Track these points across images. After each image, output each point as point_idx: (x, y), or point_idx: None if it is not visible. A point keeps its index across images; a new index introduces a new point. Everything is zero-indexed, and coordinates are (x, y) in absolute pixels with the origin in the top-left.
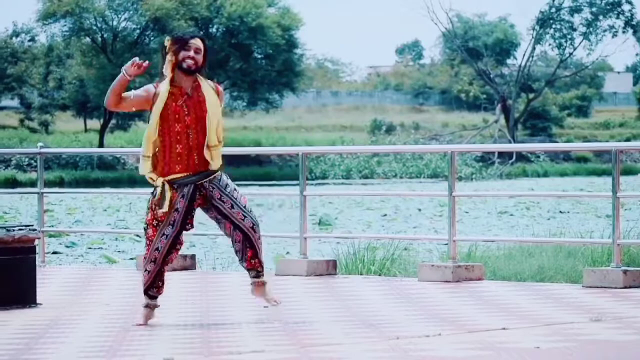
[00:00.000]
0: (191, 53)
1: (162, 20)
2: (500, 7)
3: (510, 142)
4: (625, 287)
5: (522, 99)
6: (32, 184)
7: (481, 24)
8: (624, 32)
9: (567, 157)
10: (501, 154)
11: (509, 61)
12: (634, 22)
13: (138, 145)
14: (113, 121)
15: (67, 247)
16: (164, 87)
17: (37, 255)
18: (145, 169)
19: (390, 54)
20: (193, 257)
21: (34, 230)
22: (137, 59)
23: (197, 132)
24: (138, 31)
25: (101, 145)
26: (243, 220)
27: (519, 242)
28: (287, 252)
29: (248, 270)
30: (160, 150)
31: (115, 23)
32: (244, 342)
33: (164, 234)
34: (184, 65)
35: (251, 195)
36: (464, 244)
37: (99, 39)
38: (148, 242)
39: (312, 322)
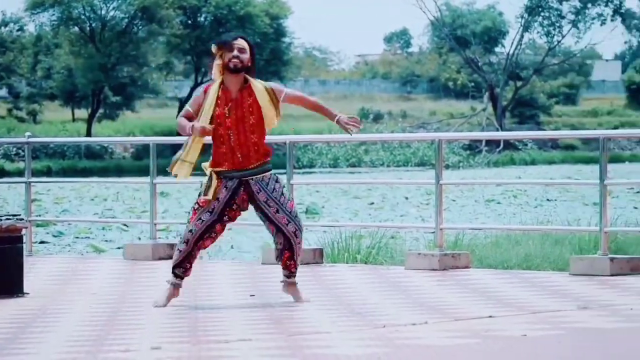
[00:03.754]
0: (235, 52)
1: (151, 9)
2: None
3: (497, 130)
4: (612, 275)
5: (510, 87)
6: (20, 173)
7: (469, 12)
8: (612, 20)
9: (554, 145)
10: (489, 142)
11: (497, 49)
12: (622, 10)
13: (125, 135)
14: (101, 110)
15: (54, 236)
16: (211, 93)
17: (24, 245)
18: (184, 173)
19: (378, 42)
20: None
21: (22, 219)
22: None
23: (237, 133)
24: (126, 20)
25: (89, 134)
26: (287, 225)
27: (506, 230)
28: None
29: (282, 269)
30: (213, 148)
31: (103, 12)
32: (232, 330)
33: (200, 219)
34: (231, 65)
35: None
36: (451, 232)
37: (87, 28)
38: (187, 223)
39: (299, 310)
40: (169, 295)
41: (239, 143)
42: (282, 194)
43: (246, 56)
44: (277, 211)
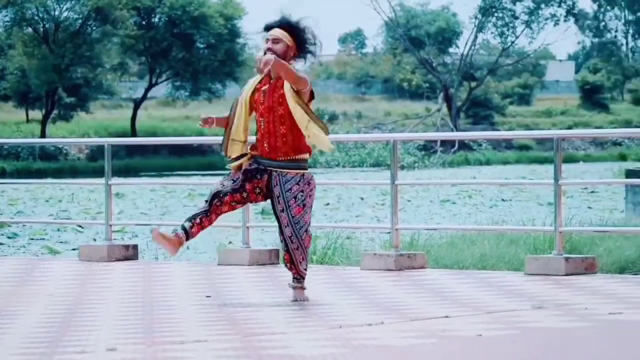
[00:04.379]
0: (268, 45)
1: (105, 10)
2: None
3: (452, 131)
4: (567, 275)
5: (464, 88)
6: None
7: (423, 12)
8: (565, 20)
9: (509, 145)
10: (444, 143)
11: (451, 50)
12: (575, 11)
13: (80, 136)
14: (55, 111)
15: (8, 238)
16: (252, 80)
17: None
18: (237, 152)
19: (333, 43)
20: (135, 247)
21: None
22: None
23: (267, 122)
24: (80, 21)
25: (43, 135)
26: (285, 227)
27: (461, 230)
28: (230, 242)
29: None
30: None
31: (57, 13)
32: (187, 331)
33: (222, 183)
34: None
35: (193, 185)
36: (406, 232)
37: (41, 29)
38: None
39: (255, 311)
40: (174, 243)
41: (268, 132)
42: (296, 197)
43: (279, 46)
44: (282, 210)
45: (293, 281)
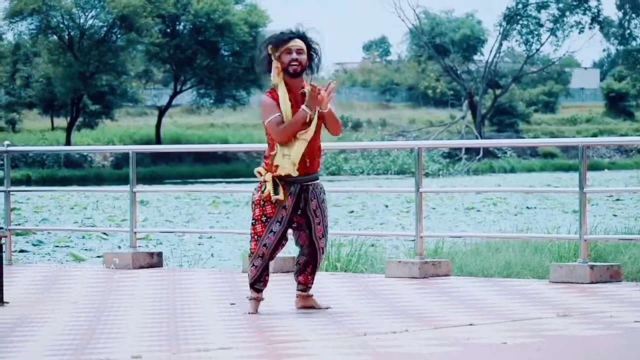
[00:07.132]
0: (294, 55)
1: (129, 18)
2: (467, 4)
3: (477, 138)
4: (591, 283)
5: (489, 95)
6: None
7: (448, 20)
8: (590, 28)
9: (534, 152)
10: (468, 150)
11: (475, 57)
12: (600, 18)
13: (105, 143)
14: (80, 119)
15: (34, 245)
16: (282, 95)
17: (3, 254)
18: (288, 170)
19: (357, 50)
20: (160, 254)
21: (1, 228)
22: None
23: (312, 139)
24: (105, 29)
25: (68, 143)
26: (320, 239)
27: (486, 237)
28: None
29: (299, 283)
30: (276, 154)
31: (82, 21)
32: (212, 339)
33: (272, 231)
34: (290, 70)
35: (217, 193)
36: (431, 240)
37: (66, 36)
38: (256, 237)
39: (280, 318)
40: (255, 307)
41: (312, 149)
42: (327, 207)
43: (304, 57)
44: (319, 223)
45: (305, 291)
